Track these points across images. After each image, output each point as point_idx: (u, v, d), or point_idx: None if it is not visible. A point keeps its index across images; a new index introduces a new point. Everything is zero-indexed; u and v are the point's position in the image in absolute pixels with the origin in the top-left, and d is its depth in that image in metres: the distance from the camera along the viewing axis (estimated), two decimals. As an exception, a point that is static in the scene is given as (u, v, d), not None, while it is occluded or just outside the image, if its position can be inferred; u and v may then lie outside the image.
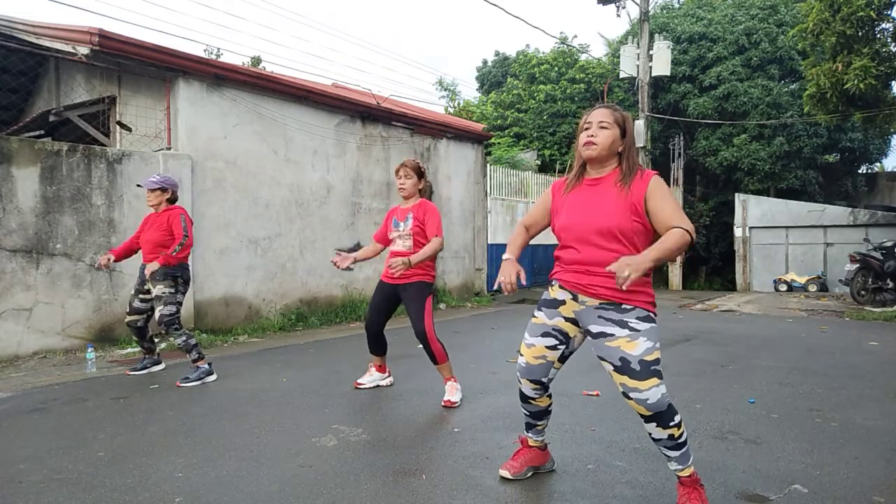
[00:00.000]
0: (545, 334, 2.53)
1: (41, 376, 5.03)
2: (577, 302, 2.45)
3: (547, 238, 14.15)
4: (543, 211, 2.63)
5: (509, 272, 2.49)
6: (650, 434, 2.36)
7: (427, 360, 4.32)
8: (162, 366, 5.18)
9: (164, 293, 4.70)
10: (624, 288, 2.12)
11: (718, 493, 2.64)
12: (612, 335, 2.35)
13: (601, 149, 2.41)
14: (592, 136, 2.42)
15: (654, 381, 2.28)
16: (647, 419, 2.31)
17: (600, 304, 2.38)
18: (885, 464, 3.00)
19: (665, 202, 2.34)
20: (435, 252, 4.00)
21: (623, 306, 2.35)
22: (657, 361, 2.31)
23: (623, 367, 2.31)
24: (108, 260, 4.85)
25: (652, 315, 2.37)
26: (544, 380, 2.59)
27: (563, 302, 2.49)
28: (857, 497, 2.61)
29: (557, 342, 2.53)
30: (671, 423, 2.31)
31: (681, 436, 2.34)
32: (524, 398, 2.67)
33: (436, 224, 4.03)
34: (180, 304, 4.78)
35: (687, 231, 2.24)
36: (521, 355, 2.61)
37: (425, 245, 4.00)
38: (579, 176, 2.52)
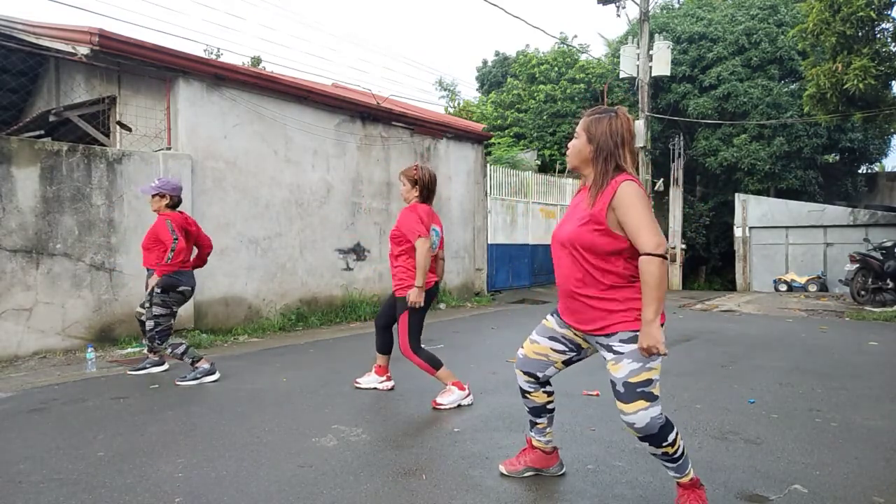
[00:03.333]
0: (553, 339, 2.55)
1: (41, 376, 5.02)
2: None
3: (547, 238, 14.07)
4: None
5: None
6: (646, 448, 2.34)
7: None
8: (165, 367, 5.17)
9: (145, 307, 4.86)
10: (656, 352, 2.16)
11: (718, 493, 2.64)
12: (605, 359, 2.37)
13: (571, 160, 2.46)
14: (567, 148, 2.48)
15: (641, 403, 2.23)
16: (640, 438, 2.29)
17: (588, 331, 2.38)
18: (885, 464, 3.00)
19: (628, 215, 2.22)
20: (423, 256, 3.89)
21: (607, 333, 2.31)
22: (647, 383, 2.24)
23: (613, 389, 2.32)
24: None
25: (637, 333, 2.25)
26: (539, 374, 2.60)
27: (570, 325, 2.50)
28: (857, 497, 2.61)
29: (566, 349, 2.54)
30: (664, 444, 2.27)
31: (675, 451, 2.30)
32: (521, 392, 2.69)
33: (409, 227, 3.96)
34: (157, 317, 4.67)
35: (653, 254, 2.15)
36: (522, 348, 2.65)
37: (412, 251, 4.00)
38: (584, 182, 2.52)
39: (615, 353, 2.29)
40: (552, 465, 2.82)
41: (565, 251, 2.38)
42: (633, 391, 2.24)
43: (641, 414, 2.23)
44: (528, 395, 2.67)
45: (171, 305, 4.72)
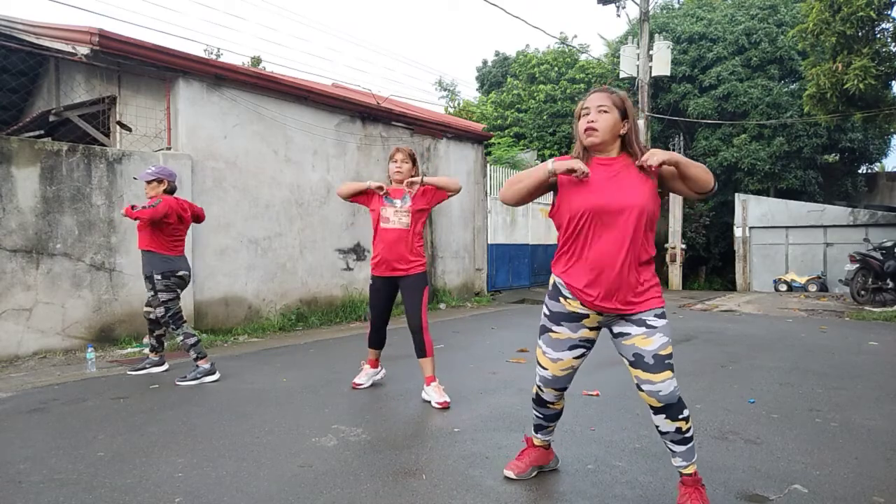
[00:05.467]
0: (573, 347, 2.48)
1: (41, 376, 5.02)
2: (601, 315, 2.40)
3: (547, 238, 14.05)
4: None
5: (576, 161, 2.29)
6: (658, 427, 2.36)
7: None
8: (165, 367, 5.16)
9: (151, 297, 4.86)
10: (652, 163, 2.22)
11: (718, 493, 2.64)
12: (628, 334, 2.35)
13: (603, 134, 2.32)
14: (593, 121, 2.33)
15: (668, 373, 2.30)
16: (657, 410, 2.32)
17: (627, 311, 2.36)
18: (885, 464, 3.00)
19: (686, 164, 2.29)
20: (452, 184, 4.13)
21: (644, 309, 2.35)
22: (671, 356, 2.33)
23: (637, 362, 2.33)
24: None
25: (665, 310, 2.40)
26: (567, 386, 2.61)
27: (587, 316, 2.41)
28: (857, 497, 2.61)
29: (584, 350, 2.52)
30: (680, 416, 2.32)
31: (688, 430, 2.35)
32: (543, 403, 2.66)
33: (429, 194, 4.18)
34: (166, 302, 4.76)
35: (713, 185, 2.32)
36: (545, 368, 2.53)
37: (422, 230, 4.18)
38: (588, 158, 2.39)
39: (648, 326, 2.33)
40: (551, 459, 2.86)
41: (636, 218, 2.26)
42: (663, 362, 2.30)
43: (668, 382, 2.29)
44: (550, 406, 2.66)
45: (174, 289, 4.80)
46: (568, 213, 2.36)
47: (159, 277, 4.72)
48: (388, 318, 4.38)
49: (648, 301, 2.35)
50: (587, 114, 2.37)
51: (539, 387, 2.62)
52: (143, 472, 2.88)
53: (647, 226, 2.31)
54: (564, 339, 2.47)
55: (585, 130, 2.35)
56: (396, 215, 4.10)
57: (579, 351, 2.50)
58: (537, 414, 2.72)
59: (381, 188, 4.08)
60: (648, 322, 2.34)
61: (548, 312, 2.51)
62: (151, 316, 5.00)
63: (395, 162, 4.15)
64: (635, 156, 2.35)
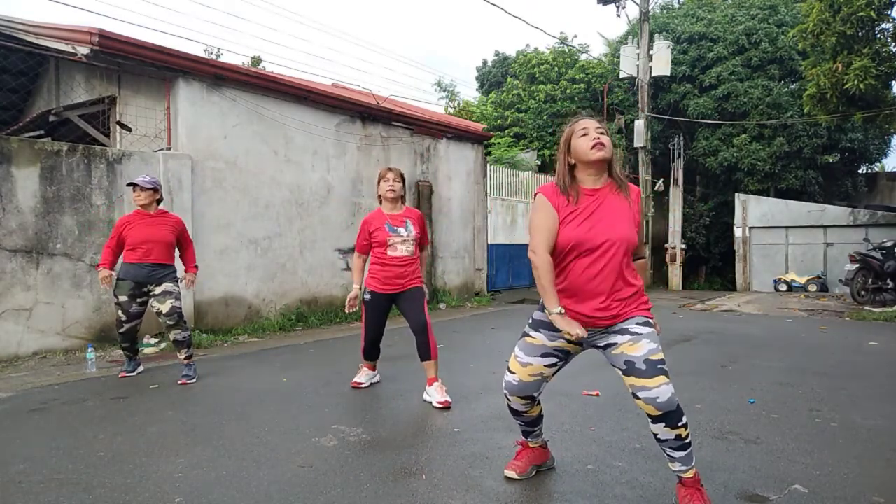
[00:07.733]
0: (546, 354, 2.52)
1: (41, 376, 5.03)
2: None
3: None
4: (555, 228, 2.41)
5: (574, 325, 2.32)
6: (656, 435, 2.34)
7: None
8: (141, 368, 5.18)
9: (174, 289, 4.82)
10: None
11: (718, 493, 2.64)
12: (615, 344, 2.38)
13: (609, 150, 2.40)
14: (599, 137, 2.39)
15: (663, 378, 2.27)
16: (656, 419, 2.28)
17: (614, 321, 2.41)
18: (885, 464, 3.00)
19: (641, 222, 2.52)
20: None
21: (626, 318, 2.40)
22: (663, 361, 2.32)
23: (629, 369, 2.32)
24: (111, 276, 4.74)
25: (650, 320, 2.43)
26: (535, 395, 2.60)
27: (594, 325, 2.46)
28: (857, 497, 2.61)
29: (557, 360, 2.54)
30: (679, 423, 2.29)
31: (687, 436, 2.32)
32: (515, 413, 2.68)
33: (426, 232, 4.44)
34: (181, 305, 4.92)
35: (644, 258, 2.66)
36: (513, 373, 2.57)
37: (421, 255, 4.42)
38: (574, 185, 2.45)
39: (633, 334, 2.35)
40: (547, 458, 2.87)
41: (618, 250, 2.36)
42: (655, 367, 2.29)
43: (665, 388, 2.25)
44: (524, 414, 2.67)
45: None
46: (564, 242, 2.42)
47: (175, 282, 4.87)
48: (383, 332, 4.44)
49: (635, 311, 2.41)
50: (585, 133, 2.41)
51: (506, 395, 2.63)
52: (143, 472, 2.89)
53: (630, 253, 2.45)
54: (539, 345, 2.52)
55: (595, 146, 2.39)
56: (404, 244, 4.19)
57: (551, 360, 2.52)
58: (518, 422, 2.75)
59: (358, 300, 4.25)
60: (631, 330, 2.36)
61: (531, 321, 2.60)
62: (139, 327, 4.99)
63: (388, 181, 4.21)
64: (622, 183, 2.48)
